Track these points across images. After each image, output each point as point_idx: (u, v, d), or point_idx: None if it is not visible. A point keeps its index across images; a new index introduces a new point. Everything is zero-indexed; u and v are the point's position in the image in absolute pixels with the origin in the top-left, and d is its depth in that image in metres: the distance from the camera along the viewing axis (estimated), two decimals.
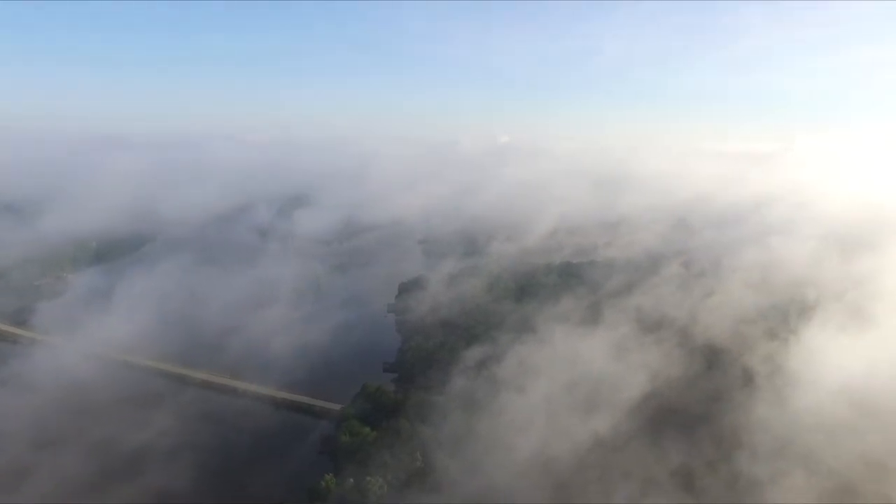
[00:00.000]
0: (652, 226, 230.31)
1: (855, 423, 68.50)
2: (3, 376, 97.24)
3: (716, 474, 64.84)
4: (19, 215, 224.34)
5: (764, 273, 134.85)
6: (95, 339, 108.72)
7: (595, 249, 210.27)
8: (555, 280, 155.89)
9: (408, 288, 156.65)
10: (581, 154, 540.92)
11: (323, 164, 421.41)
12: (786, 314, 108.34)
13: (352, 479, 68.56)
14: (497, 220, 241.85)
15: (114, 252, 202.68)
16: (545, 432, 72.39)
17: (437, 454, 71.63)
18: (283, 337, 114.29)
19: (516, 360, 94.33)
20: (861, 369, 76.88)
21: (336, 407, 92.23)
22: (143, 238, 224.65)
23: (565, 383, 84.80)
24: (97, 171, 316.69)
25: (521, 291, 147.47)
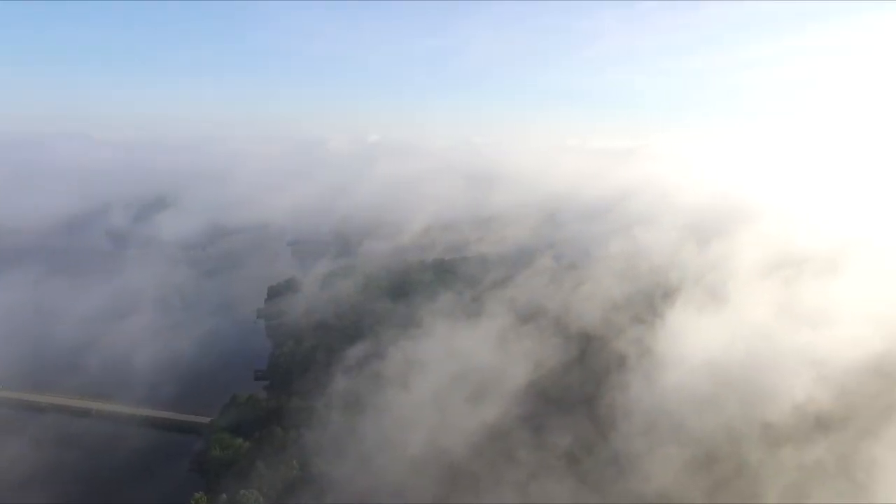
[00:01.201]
0: (523, 221, 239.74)
1: (716, 394, 74.77)
2: None
3: (598, 452, 68.88)
4: None
5: (629, 262, 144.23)
6: None
7: (468, 245, 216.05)
8: (429, 277, 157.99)
9: (278, 291, 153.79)
10: (452, 152, 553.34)
11: (186, 164, 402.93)
12: (651, 299, 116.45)
13: (224, 495, 65.72)
14: (369, 219, 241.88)
15: None
16: (427, 427, 73.09)
17: (316, 459, 70.35)
18: (144, 351, 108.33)
19: (394, 358, 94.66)
20: (719, 345, 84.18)
21: (205, 420, 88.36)
22: None
23: (445, 378, 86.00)
24: None
25: (395, 290, 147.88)
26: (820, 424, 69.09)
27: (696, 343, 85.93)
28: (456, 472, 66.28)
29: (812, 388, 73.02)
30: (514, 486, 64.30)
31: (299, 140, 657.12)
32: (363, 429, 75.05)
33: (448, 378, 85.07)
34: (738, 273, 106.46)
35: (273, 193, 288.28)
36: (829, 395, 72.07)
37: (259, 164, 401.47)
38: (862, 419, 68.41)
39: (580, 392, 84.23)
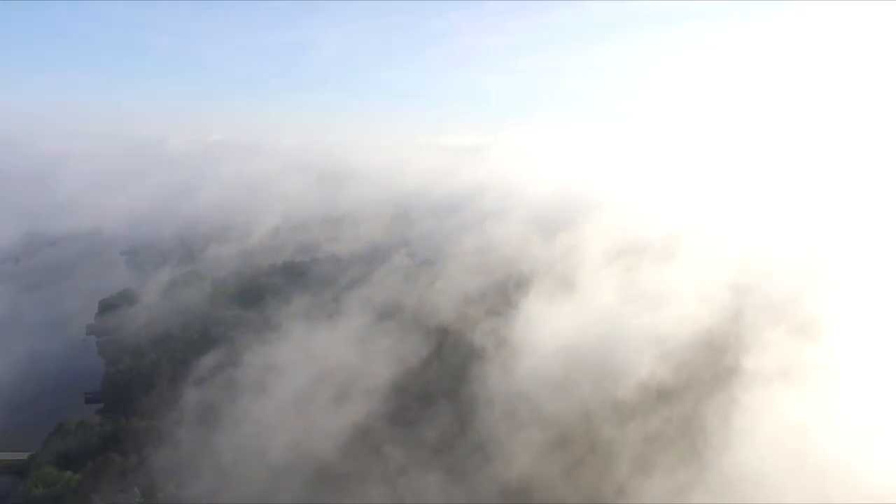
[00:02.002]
0: (375, 219, 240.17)
1: (570, 377, 79.88)
2: None
3: (463, 442, 71.28)
4: None
5: (482, 256, 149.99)
6: None
7: (320, 246, 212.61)
8: (279, 280, 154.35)
9: (111, 304, 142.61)
10: (301, 150, 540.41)
11: None
12: (504, 291, 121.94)
13: None
14: (214, 222, 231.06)
15: None
16: (290, 432, 71.44)
17: (163, 483, 65.81)
18: None
19: (249, 364, 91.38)
20: (570, 330, 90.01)
21: (24, 456, 79.83)
22: None
23: (304, 381, 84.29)
24: None
25: (245, 295, 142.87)
26: (662, 397, 76.41)
27: (549, 330, 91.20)
28: (322, 476, 65.27)
29: (654, 364, 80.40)
30: (381, 483, 64.55)
31: (134, 139, 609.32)
32: (218, 442, 71.42)
33: (307, 381, 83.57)
34: (584, 262, 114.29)
35: (104, 197, 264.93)
36: (668, 369, 79.80)
37: (86, 165, 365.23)
38: (697, 388, 76.53)
39: (442, 386, 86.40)
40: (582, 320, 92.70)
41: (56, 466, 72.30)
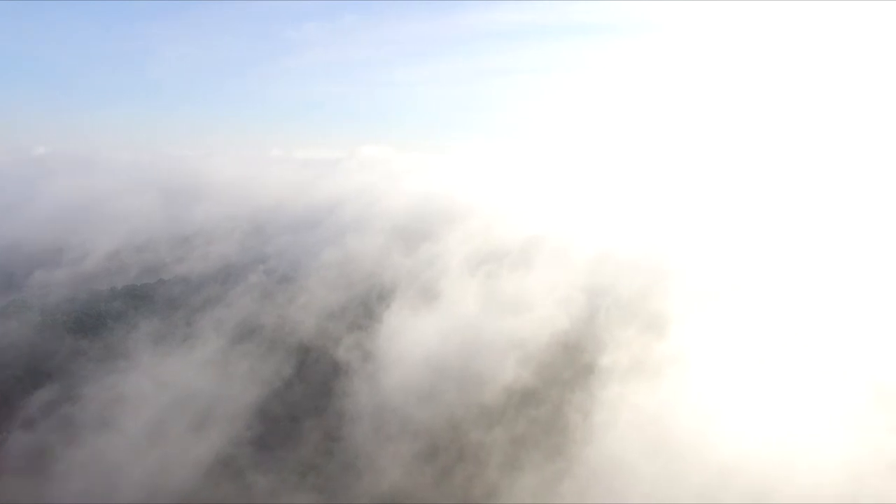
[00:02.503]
0: (228, 236, 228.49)
1: (437, 385, 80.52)
2: None
3: (332, 459, 69.68)
4: None
5: (343, 270, 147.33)
6: None
7: (166, 267, 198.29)
8: (122, 305, 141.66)
9: None
10: (142, 165, 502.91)
11: None
12: (367, 304, 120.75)
13: None
14: (41, 245, 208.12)
15: None
16: (142, 468, 65.81)
17: None
18: None
19: (90, 398, 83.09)
20: (436, 339, 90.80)
21: None
22: None
23: (155, 412, 78.50)
24: None
25: (80, 323, 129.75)
26: (526, 398, 79.06)
27: (413, 340, 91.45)
28: None
29: (517, 368, 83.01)
30: None
31: None
32: (55, 491, 64.13)
33: (160, 411, 77.74)
34: (446, 271, 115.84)
35: None
36: (530, 371, 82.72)
37: None
38: (558, 388, 79.90)
39: (307, 405, 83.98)
40: (446, 329, 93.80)
41: None
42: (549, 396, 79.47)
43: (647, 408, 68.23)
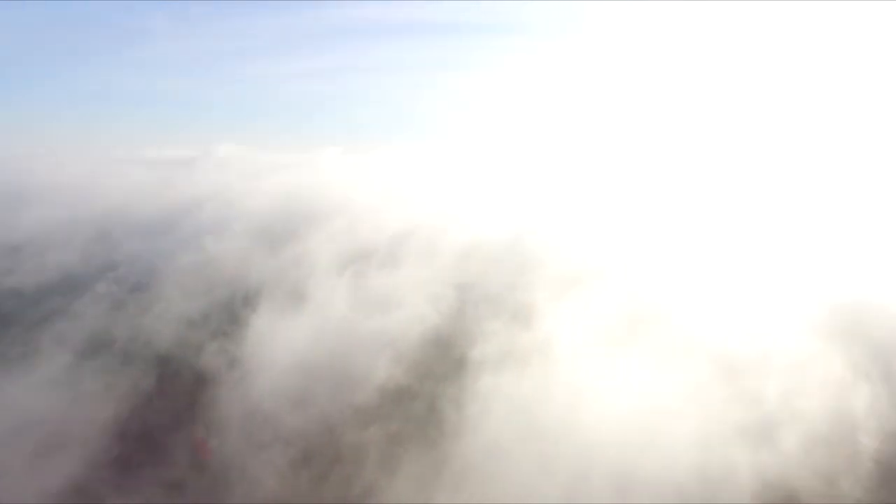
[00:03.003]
0: (68, 242, 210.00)
1: (310, 388, 79.12)
2: None
3: (203, 473, 66.06)
4: None
5: (202, 274, 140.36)
6: None
7: None
8: None
9: None
10: None
11: None
12: (231, 309, 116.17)
13: None
14: None
15: None
16: None
17: None
18: None
19: None
20: (306, 341, 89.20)
21: None
22: None
23: None
24: None
25: None
26: (400, 396, 79.71)
27: (283, 344, 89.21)
28: None
29: (389, 366, 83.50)
30: None
31: None
32: None
33: None
34: (313, 272, 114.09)
35: None
36: (403, 369, 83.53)
37: None
38: (431, 383, 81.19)
39: (170, 419, 79.11)
40: (316, 331, 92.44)
41: None
42: (423, 392, 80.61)
43: (518, 397, 71.19)
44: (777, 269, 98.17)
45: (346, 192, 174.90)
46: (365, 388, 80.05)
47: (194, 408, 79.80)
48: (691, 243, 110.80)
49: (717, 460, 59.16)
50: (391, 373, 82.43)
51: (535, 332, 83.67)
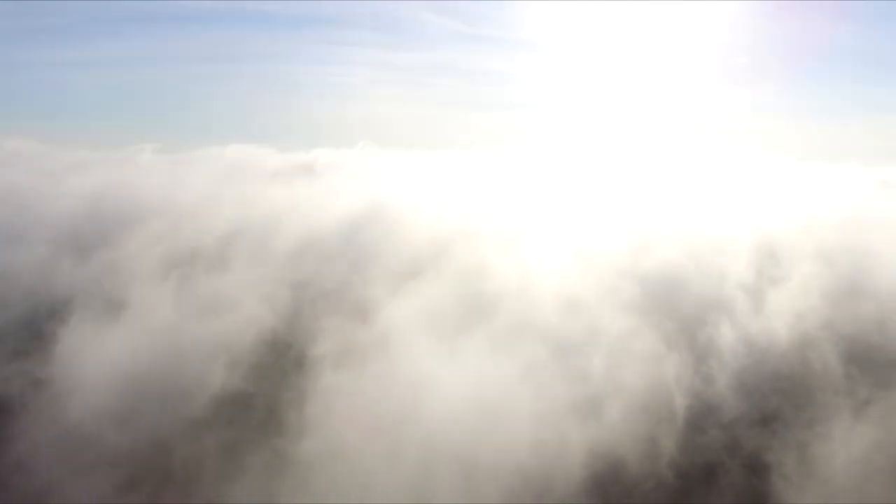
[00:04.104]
0: None
1: (138, 402, 74.34)
2: None
3: None
4: None
5: None
6: None
7: None
8: None
9: None
10: None
11: None
12: (34, 324, 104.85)
13: None
14: None
15: None
16: None
17: None
18: None
19: None
20: (128, 354, 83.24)
21: None
22: None
23: None
24: None
25: None
26: (238, 402, 77.35)
27: (102, 358, 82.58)
28: None
29: (224, 373, 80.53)
30: None
31: None
32: None
33: None
34: (134, 278, 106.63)
35: None
36: (239, 374, 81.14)
37: None
38: (271, 386, 79.90)
39: None
40: (139, 341, 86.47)
41: None
42: (261, 396, 79.00)
43: (359, 393, 71.90)
44: (599, 251, 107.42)
45: (163, 192, 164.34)
46: (198, 398, 76.60)
47: None
48: (521, 230, 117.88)
49: (551, 436, 64.21)
50: (226, 379, 79.72)
51: (373, 326, 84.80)
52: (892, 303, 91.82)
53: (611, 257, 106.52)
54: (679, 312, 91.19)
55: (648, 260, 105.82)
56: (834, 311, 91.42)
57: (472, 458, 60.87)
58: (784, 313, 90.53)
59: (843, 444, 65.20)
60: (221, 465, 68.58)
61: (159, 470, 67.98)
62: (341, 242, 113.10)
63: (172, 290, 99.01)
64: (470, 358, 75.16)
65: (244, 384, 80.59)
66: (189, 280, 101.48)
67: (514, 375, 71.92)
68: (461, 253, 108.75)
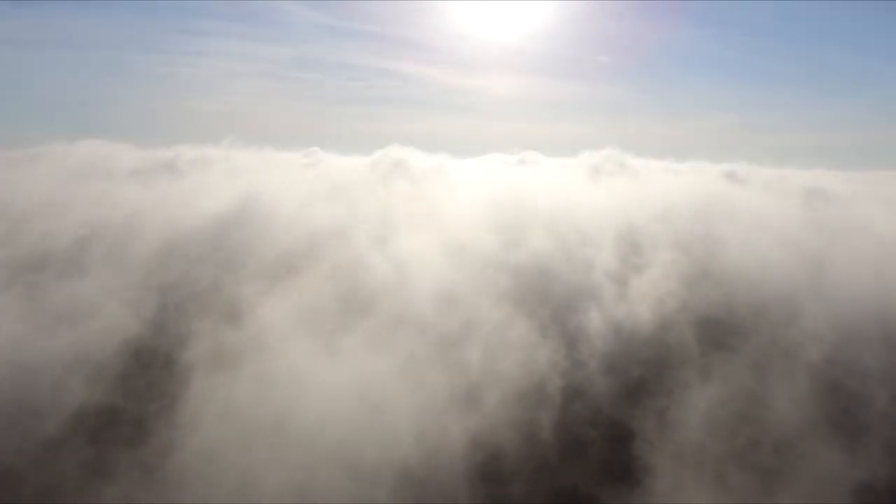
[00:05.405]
0: None
1: None
2: None
3: None
4: None
5: None
6: None
7: None
8: None
9: None
10: None
11: None
12: None
13: None
14: None
15: None
16: None
17: None
18: None
19: None
20: None
21: None
22: None
23: None
24: None
25: None
26: (100, 418, 72.82)
27: None
28: None
29: (85, 387, 75.56)
30: None
31: None
32: None
33: None
34: None
35: None
36: (102, 387, 76.44)
37: None
38: (137, 397, 75.89)
39: None
40: None
41: None
42: (128, 408, 75.01)
43: (235, 397, 70.25)
44: (473, 245, 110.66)
45: (1, 193, 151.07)
46: (55, 417, 71.42)
47: None
48: (394, 226, 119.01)
49: (432, 428, 66.02)
50: (88, 394, 75.00)
51: (246, 327, 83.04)
52: (738, 285, 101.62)
53: (484, 251, 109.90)
54: (551, 301, 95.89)
55: (520, 252, 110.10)
56: (689, 295, 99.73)
57: (355, 455, 61.37)
58: (646, 298, 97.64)
59: (695, 405, 73.45)
60: (82, 486, 64.49)
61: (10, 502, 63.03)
62: (209, 242, 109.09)
63: (19, 300, 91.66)
64: (348, 355, 75.49)
65: (109, 397, 76.24)
66: (38, 288, 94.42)
67: (393, 370, 73.10)
68: (335, 250, 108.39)
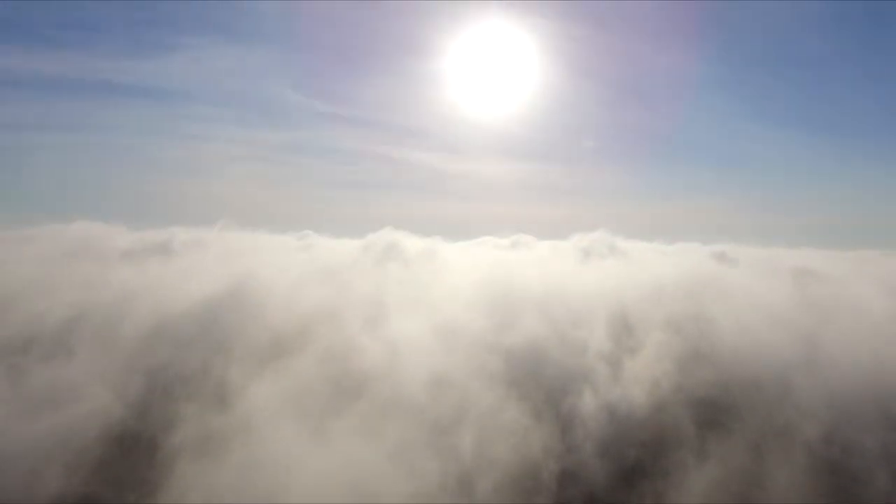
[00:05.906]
0: None
1: None
2: None
3: None
4: None
5: None
6: None
7: None
8: None
9: None
10: None
11: None
12: None
13: None
14: None
15: None
16: None
17: None
18: None
19: None
20: None
21: None
22: None
23: None
24: None
25: None
26: None
27: None
28: None
29: (63, 475, 72.88)
30: None
31: None
32: None
33: None
34: None
35: None
36: (81, 475, 74.05)
37: None
38: (117, 485, 73.65)
39: None
40: None
41: None
42: (108, 498, 72.82)
43: (218, 484, 68.45)
44: (465, 329, 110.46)
45: None
46: None
47: None
48: (386, 310, 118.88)
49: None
50: (65, 483, 72.68)
51: (234, 410, 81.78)
52: (731, 363, 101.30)
53: (476, 333, 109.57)
54: (544, 384, 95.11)
55: (513, 335, 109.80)
56: (683, 375, 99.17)
57: None
58: (640, 379, 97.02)
59: (692, 487, 72.54)
60: None
61: None
62: (200, 325, 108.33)
63: (0, 383, 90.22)
64: (338, 439, 74.15)
65: (88, 486, 73.98)
66: (21, 371, 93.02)
67: (385, 456, 71.69)
68: (326, 332, 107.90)
